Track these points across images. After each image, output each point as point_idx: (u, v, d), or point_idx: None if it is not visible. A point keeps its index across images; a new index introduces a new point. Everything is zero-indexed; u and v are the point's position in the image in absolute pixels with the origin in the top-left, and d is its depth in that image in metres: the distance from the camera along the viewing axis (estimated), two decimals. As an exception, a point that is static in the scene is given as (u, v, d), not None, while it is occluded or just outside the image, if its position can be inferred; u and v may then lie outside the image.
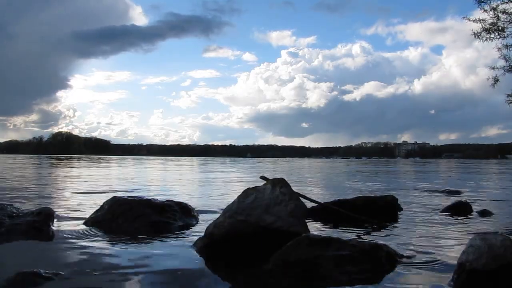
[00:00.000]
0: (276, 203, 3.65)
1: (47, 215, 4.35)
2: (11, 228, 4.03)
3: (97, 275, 2.86)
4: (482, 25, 8.17)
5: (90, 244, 3.79)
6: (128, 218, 4.45)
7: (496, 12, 8.07)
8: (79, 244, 3.78)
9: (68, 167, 25.16)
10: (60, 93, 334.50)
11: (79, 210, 5.79)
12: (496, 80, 8.39)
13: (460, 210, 6.05)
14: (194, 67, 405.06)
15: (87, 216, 4.82)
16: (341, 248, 3.09)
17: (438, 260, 3.34)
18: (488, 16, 8.14)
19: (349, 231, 4.58)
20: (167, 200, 5.00)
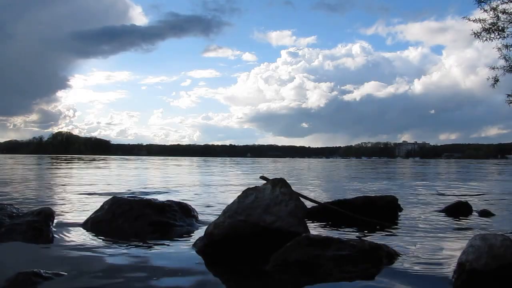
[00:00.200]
0: (276, 203, 3.65)
1: (47, 215, 4.35)
2: (11, 228, 4.03)
3: (97, 275, 2.86)
4: (482, 25, 8.16)
5: (90, 244, 3.79)
6: (128, 218, 4.45)
7: (496, 12, 8.07)
8: (79, 244, 3.78)
9: (68, 167, 25.16)
10: (60, 93, 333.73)
11: (79, 210, 5.80)
12: (496, 80, 8.38)
13: (460, 210, 6.05)
14: (194, 67, 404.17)
15: (87, 216, 4.82)
16: (341, 248, 3.09)
17: (438, 260, 3.34)
18: (488, 16, 8.14)
19: (349, 231, 4.58)
20: (167, 200, 5.00)
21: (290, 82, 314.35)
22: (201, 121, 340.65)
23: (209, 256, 3.43)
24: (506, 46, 8.20)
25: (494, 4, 8.09)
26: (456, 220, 5.42)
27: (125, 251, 3.60)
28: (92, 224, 4.50)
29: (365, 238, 4.13)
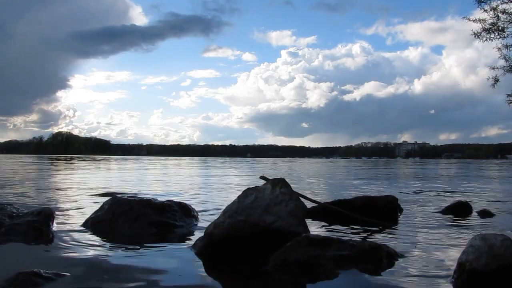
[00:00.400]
0: (276, 203, 3.65)
1: (47, 215, 4.35)
2: (11, 228, 4.03)
3: (97, 275, 2.86)
4: (482, 25, 8.18)
5: (90, 244, 3.79)
6: (128, 218, 4.45)
7: (496, 12, 8.08)
8: (79, 244, 3.78)
9: (68, 167, 25.16)
10: (60, 93, 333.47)
11: (79, 210, 5.79)
12: (496, 80, 8.39)
13: (460, 210, 6.05)
14: (194, 67, 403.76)
15: (87, 216, 4.82)
16: (341, 248, 3.09)
17: (438, 260, 3.34)
18: (488, 16, 8.15)
19: (349, 231, 4.58)
20: (167, 200, 4.99)
21: (290, 82, 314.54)
22: (201, 121, 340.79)
23: (209, 256, 3.43)
24: (506, 46, 8.21)
25: (494, 4, 8.10)
26: (456, 220, 5.42)
27: (125, 251, 3.60)
28: (92, 224, 4.50)
29: (365, 238, 4.13)
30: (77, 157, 75.42)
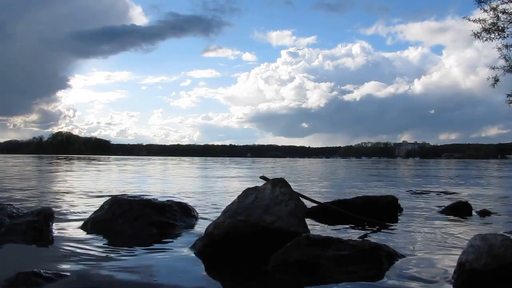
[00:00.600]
0: (276, 203, 3.65)
1: (47, 215, 4.35)
2: (11, 228, 4.03)
3: (97, 275, 2.86)
4: (482, 25, 8.16)
5: (90, 244, 3.79)
6: (128, 218, 4.45)
7: (496, 12, 8.07)
8: (79, 244, 3.78)
9: (68, 167, 25.16)
10: (60, 93, 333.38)
11: (79, 210, 5.79)
12: (496, 80, 8.38)
13: (460, 210, 6.05)
14: (194, 67, 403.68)
15: (87, 216, 4.82)
16: (341, 248, 3.09)
17: (438, 260, 3.34)
18: (488, 16, 8.14)
19: (349, 231, 4.58)
20: (167, 200, 5.00)
21: (290, 82, 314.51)
22: (201, 121, 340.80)
23: (209, 256, 3.43)
24: (506, 46, 8.20)
25: (494, 4, 8.09)
26: (456, 220, 5.42)
27: (125, 251, 3.60)
28: (92, 224, 4.50)
29: (365, 238, 4.13)
30: (77, 157, 75.42)
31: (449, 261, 3.22)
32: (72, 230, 4.37)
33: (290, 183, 3.97)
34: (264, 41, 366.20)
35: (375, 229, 4.71)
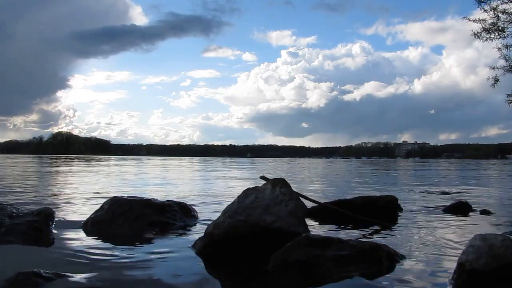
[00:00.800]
0: (276, 203, 3.65)
1: (47, 215, 4.35)
2: (11, 228, 4.03)
3: (97, 275, 2.86)
4: (482, 25, 8.17)
5: (90, 244, 3.79)
6: (128, 218, 4.45)
7: (496, 12, 8.07)
8: (79, 244, 3.78)
9: (68, 167, 25.16)
10: (60, 93, 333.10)
11: (79, 210, 5.80)
12: (496, 80, 8.38)
13: (460, 210, 6.05)
14: (194, 67, 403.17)
15: (87, 216, 4.81)
16: (341, 248, 3.09)
17: (438, 260, 3.34)
18: (488, 16, 8.15)
19: (349, 231, 4.58)
20: (167, 200, 5.00)
21: (290, 82, 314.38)
22: (201, 121, 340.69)
23: (209, 256, 3.43)
24: (506, 46, 8.20)
25: (494, 4, 8.09)
26: (456, 220, 5.42)
27: (125, 251, 3.60)
28: (92, 224, 4.50)
29: (365, 238, 4.14)
30: (77, 157, 75.42)
31: (449, 261, 3.22)
32: (72, 230, 4.37)
33: (290, 183, 3.97)
34: (264, 41, 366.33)
35: (375, 229, 4.71)
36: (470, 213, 5.95)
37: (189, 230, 4.49)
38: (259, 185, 3.92)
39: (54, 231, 4.21)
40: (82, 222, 4.65)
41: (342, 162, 61.81)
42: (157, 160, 53.75)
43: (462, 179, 16.46)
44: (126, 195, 5.04)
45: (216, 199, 7.63)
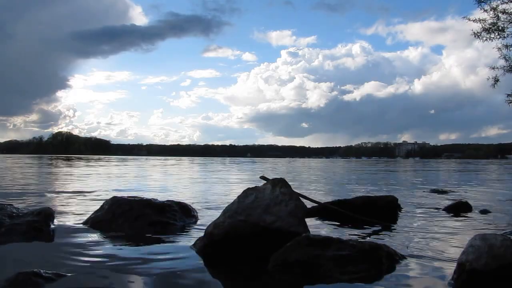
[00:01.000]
0: (276, 203, 3.65)
1: (47, 215, 4.35)
2: (11, 228, 4.03)
3: (97, 275, 2.86)
4: (482, 25, 8.16)
5: (90, 244, 3.79)
6: (128, 218, 4.45)
7: (496, 12, 8.06)
8: (79, 244, 3.78)
9: (68, 167, 25.16)
10: (60, 93, 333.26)
11: (79, 210, 5.79)
12: (496, 80, 8.37)
13: (460, 210, 6.05)
14: (194, 67, 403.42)
15: (87, 216, 4.82)
16: (341, 248, 3.08)
17: (438, 260, 3.34)
18: (488, 16, 8.14)
19: (349, 231, 4.58)
20: (167, 200, 5.00)
21: (290, 82, 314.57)
22: (201, 121, 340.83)
23: (209, 256, 3.43)
24: (506, 46, 8.20)
25: (494, 4, 8.08)
26: (456, 220, 5.42)
27: (125, 251, 3.60)
28: (92, 224, 4.50)
29: (365, 238, 4.13)
30: (77, 157, 75.41)
31: (449, 261, 3.22)
32: (72, 230, 4.36)
33: (290, 183, 3.97)
34: (264, 41, 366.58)
35: (375, 229, 4.71)
36: (470, 213, 5.95)
37: (189, 230, 4.49)
38: (259, 185, 3.92)
39: (54, 231, 4.21)
40: (82, 222, 4.66)
41: (342, 162, 61.82)
42: (157, 160, 53.75)
43: (462, 179, 16.46)
44: (126, 195, 5.04)
45: (216, 199, 7.62)
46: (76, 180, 12.92)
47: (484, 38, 8.18)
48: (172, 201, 5.05)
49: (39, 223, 4.17)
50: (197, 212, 5.18)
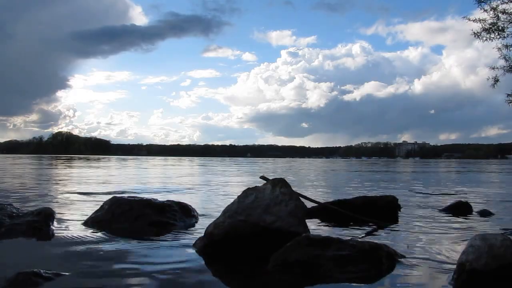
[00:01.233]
0: (276, 203, 3.65)
1: (47, 215, 4.35)
2: (11, 228, 4.03)
3: (97, 275, 2.86)
4: (482, 25, 8.16)
5: (90, 244, 3.79)
6: (128, 218, 4.45)
7: (496, 12, 8.06)
8: (79, 244, 3.78)
9: (68, 167, 25.15)
10: (60, 93, 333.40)
11: (79, 210, 5.79)
12: (496, 80, 8.36)
13: (460, 210, 6.05)
14: (194, 67, 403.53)
15: (87, 216, 4.82)
16: (341, 248, 3.08)
17: (438, 260, 3.34)
18: (488, 16, 8.13)
19: (349, 231, 4.58)
20: (167, 200, 5.00)
21: (290, 82, 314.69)
22: (201, 121, 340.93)
23: (209, 256, 3.43)
24: (506, 46, 8.18)
25: (494, 4, 8.07)
26: (456, 220, 5.41)
27: (125, 251, 3.59)
28: (92, 224, 4.50)
29: (365, 238, 4.13)
30: (77, 157, 75.39)
31: (449, 261, 3.22)
32: (72, 230, 4.36)
33: (290, 183, 3.97)
34: (264, 41, 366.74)
35: (375, 229, 4.71)
36: (470, 213, 5.94)
37: (189, 230, 4.49)
38: (259, 185, 3.92)
39: (54, 231, 4.21)
40: (82, 222, 4.65)
41: (342, 162, 61.80)
42: (157, 160, 53.74)
43: (462, 179, 16.46)
44: (126, 195, 5.04)
45: (216, 199, 7.63)
46: (76, 180, 12.92)
47: (484, 38, 8.17)
48: (172, 201, 5.05)
49: (39, 223, 4.17)
50: (197, 212, 5.18)
